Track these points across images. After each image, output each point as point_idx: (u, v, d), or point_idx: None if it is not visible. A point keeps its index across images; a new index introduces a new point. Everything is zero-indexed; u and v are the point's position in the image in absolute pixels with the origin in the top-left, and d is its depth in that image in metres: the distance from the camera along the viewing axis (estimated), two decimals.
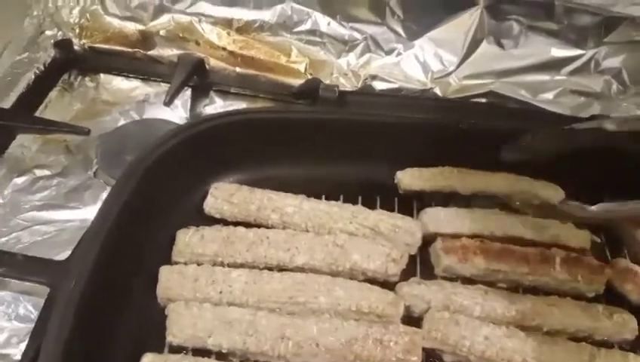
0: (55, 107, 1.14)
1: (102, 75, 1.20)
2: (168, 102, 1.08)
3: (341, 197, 0.95)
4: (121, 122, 1.12)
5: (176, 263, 0.84)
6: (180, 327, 0.76)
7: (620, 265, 0.89)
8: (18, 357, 0.77)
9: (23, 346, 0.78)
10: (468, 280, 0.87)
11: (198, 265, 0.83)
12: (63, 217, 0.96)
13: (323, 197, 0.94)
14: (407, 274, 0.87)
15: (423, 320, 0.80)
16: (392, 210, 0.93)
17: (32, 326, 0.79)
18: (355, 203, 0.94)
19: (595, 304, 0.85)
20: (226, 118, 0.93)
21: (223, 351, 0.76)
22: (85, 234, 0.82)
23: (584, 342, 0.81)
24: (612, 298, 0.88)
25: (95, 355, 0.73)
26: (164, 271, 0.81)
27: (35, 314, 0.82)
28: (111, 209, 0.78)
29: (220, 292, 0.80)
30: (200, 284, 0.80)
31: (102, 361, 0.73)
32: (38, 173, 1.01)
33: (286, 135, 0.95)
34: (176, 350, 0.77)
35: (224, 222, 0.90)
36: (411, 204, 0.97)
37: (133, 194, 0.81)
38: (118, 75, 1.19)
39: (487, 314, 0.81)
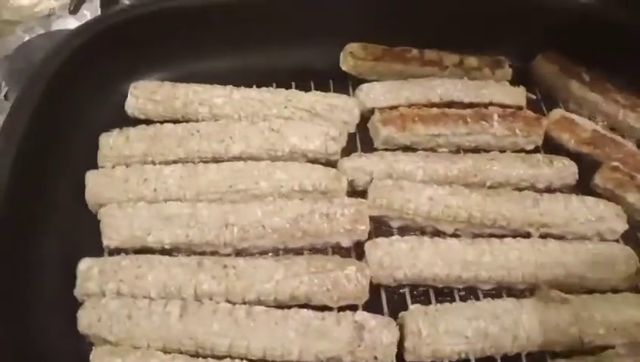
0: None
1: None
2: (74, 10, 0.99)
3: (273, 85, 0.91)
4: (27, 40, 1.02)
5: (103, 168, 0.79)
6: (116, 229, 0.72)
7: (557, 115, 0.90)
8: None
9: None
10: (409, 150, 0.86)
11: (127, 167, 0.78)
12: None
13: (254, 87, 0.89)
14: (348, 153, 0.85)
15: (368, 190, 0.79)
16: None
17: None
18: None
19: (534, 154, 0.86)
20: (135, 10, 0.85)
21: (166, 246, 0.73)
22: None
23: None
24: (550, 149, 0.89)
25: (25, 267, 0.69)
26: (91, 176, 0.77)
27: None
28: (16, 122, 0.72)
29: (155, 190, 0.76)
30: (131, 185, 0.76)
31: (34, 273, 0.69)
32: None
33: (207, 24, 0.89)
34: (116, 254, 0.73)
35: (150, 122, 0.85)
36: (347, 84, 0.94)
37: (41, 102, 0.74)
38: None
39: (429, 177, 0.81)
